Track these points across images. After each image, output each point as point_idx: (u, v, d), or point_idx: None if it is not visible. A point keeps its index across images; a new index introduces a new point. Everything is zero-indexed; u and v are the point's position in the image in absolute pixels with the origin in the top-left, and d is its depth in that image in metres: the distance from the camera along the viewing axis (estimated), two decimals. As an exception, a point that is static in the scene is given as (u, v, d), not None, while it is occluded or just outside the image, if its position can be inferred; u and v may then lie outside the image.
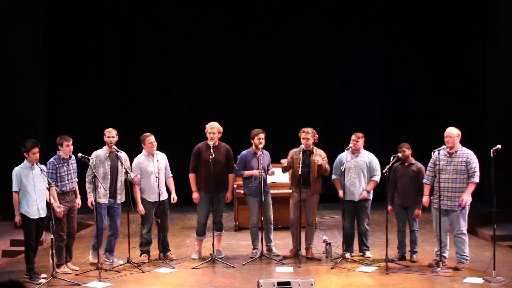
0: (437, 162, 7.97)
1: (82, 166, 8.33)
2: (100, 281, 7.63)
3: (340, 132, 10.75)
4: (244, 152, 8.84)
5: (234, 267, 8.22)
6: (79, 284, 7.56)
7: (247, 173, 8.71)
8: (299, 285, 6.55)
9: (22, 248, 8.17)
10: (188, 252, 9.00)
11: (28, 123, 11.66)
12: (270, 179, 9.12)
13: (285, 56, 13.38)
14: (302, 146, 8.51)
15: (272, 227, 8.90)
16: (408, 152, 8.35)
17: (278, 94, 13.34)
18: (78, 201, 8.33)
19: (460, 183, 7.88)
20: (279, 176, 9.62)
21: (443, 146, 7.97)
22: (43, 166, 7.80)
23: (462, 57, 12.89)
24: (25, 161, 7.70)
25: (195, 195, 8.68)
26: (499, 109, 11.86)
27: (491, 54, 12.16)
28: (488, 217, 9.67)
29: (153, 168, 8.51)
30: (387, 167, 8.10)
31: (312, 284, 6.57)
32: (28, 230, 7.71)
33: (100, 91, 13.30)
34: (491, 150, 7.52)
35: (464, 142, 8.07)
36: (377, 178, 8.59)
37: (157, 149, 8.61)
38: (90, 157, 8.20)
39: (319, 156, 8.48)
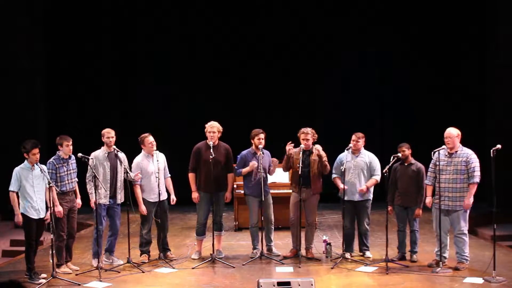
0: (437, 163, 7.97)
1: (82, 167, 8.33)
2: (100, 281, 7.62)
3: (340, 132, 10.75)
4: (244, 152, 8.85)
5: (234, 267, 8.22)
6: (79, 284, 7.55)
7: (244, 170, 8.71)
8: (299, 285, 6.55)
9: (22, 248, 8.18)
10: (188, 252, 9.00)
11: (28, 123, 11.67)
12: (270, 179, 9.10)
13: (285, 56, 13.38)
14: (302, 146, 8.51)
15: (273, 227, 8.90)
16: (408, 152, 8.35)
17: (278, 94, 13.34)
18: (78, 201, 8.32)
19: (460, 183, 7.88)
20: (279, 176, 9.62)
21: (443, 147, 7.97)
22: (43, 166, 7.79)
23: (462, 57, 12.90)
24: (26, 161, 7.70)
25: (195, 195, 8.68)
26: (499, 109, 11.86)
27: (491, 54, 12.17)
28: (488, 217, 9.66)
29: (153, 168, 8.51)
30: (387, 167, 8.10)
31: (312, 284, 6.57)
32: (28, 230, 7.71)
33: (100, 91, 13.31)
34: (491, 150, 7.52)
35: (464, 143, 8.07)
36: (378, 177, 8.59)
37: (156, 149, 8.61)
38: (90, 157, 8.20)
39: (319, 149, 8.49)
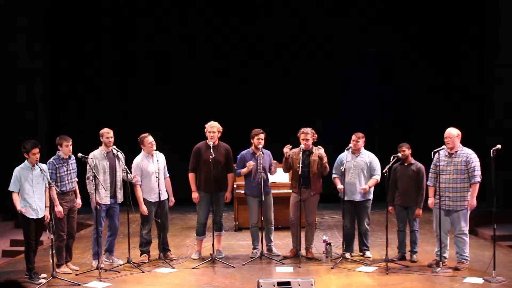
0: (438, 163, 7.97)
1: (82, 167, 8.33)
2: (100, 281, 7.62)
3: (340, 132, 10.74)
4: (243, 152, 8.85)
5: (234, 267, 8.22)
6: (79, 284, 7.55)
7: (243, 171, 8.71)
8: (299, 285, 6.55)
9: (22, 248, 8.17)
10: (188, 252, 9.00)
11: (28, 123, 11.67)
12: (270, 179, 9.09)
13: (285, 56, 13.39)
14: (302, 146, 8.51)
15: (273, 228, 8.90)
16: (408, 152, 8.35)
17: (278, 94, 13.35)
18: (78, 201, 8.32)
19: (460, 183, 7.88)
20: (279, 176, 9.62)
21: (443, 147, 7.97)
22: (43, 166, 7.79)
23: (462, 57, 12.90)
24: (26, 161, 7.70)
25: (195, 195, 8.67)
26: (499, 109, 11.86)
27: (491, 54, 12.17)
28: (488, 217, 9.65)
29: (153, 168, 8.51)
30: (387, 167, 8.10)
31: (312, 284, 6.57)
32: (28, 230, 7.71)
33: (100, 91, 13.31)
34: (491, 150, 7.52)
35: (464, 143, 8.06)
36: (378, 177, 8.59)
37: (156, 149, 8.61)
38: (90, 157, 8.19)
39: (321, 151, 8.49)
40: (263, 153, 8.70)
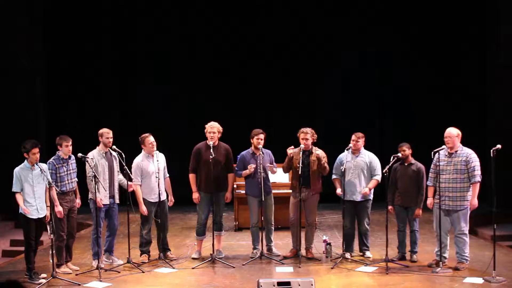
0: (438, 163, 7.97)
1: (82, 166, 8.32)
2: (100, 281, 7.62)
3: (340, 132, 10.74)
4: (243, 153, 8.85)
5: (234, 267, 8.22)
6: (79, 284, 7.55)
7: (244, 172, 8.72)
8: (299, 285, 6.55)
9: (22, 248, 8.17)
10: (188, 252, 9.00)
11: (28, 123, 11.67)
12: (270, 179, 9.07)
13: (285, 56, 13.39)
14: (302, 146, 8.51)
15: (273, 228, 8.90)
16: (408, 151, 8.35)
17: (278, 94, 13.35)
18: (78, 201, 8.33)
19: (460, 183, 7.88)
20: (279, 176, 9.61)
21: (443, 147, 7.97)
22: (43, 166, 7.78)
23: (462, 57, 12.90)
24: (26, 161, 7.69)
25: (195, 195, 8.68)
26: (499, 109, 11.86)
27: (491, 54, 12.16)
28: (488, 217, 9.65)
29: (153, 168, 8.51)
30: (387, 167, 8.10)
31: (312, 284, 6.57)
32: (27, 230, 7.71)
33: (100, 91, 13.31)
34: (491, 150, 7.52)
35: (464, 143, 8.06)
36: (378, 177, 8.58)
37: (156, 149, 8.61)
38: (90, 157, 8.19)
39: (319, 152, 8.49)
40: (263, 153, 8.70)
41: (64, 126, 11.93)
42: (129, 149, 8.80)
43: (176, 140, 12.36)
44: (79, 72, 13.14)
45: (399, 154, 8.25)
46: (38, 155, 7.66)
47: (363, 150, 8.67)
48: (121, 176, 8.54)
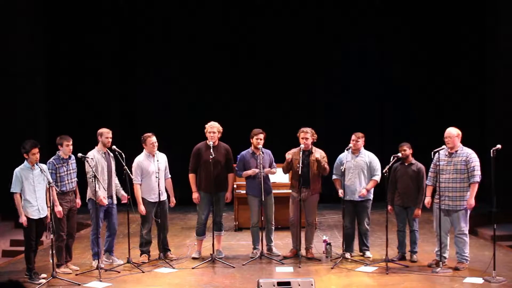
0: (438, 163, 7.97)
1: (82, 166, 8.32)
2: (100, 281, 7.63)
3: (340, 132, 10.74)
4: (243, 152, 8.86)
5: (234, 267, 8.22)
6: (79, 284, 7.56)
7: (245, 173, 8.72)
8: (299, 285, 6.55)
9: (22, 248, 8.17)
10: (188, 252, 9.00)
11: (28, 123, 11.66)
12: (270, 179, 9.07)
13: (285, 56, 13.38)
14: (302, 146, 8.51)
15: (273, 228, 8.90)
16: (408, 151, 8.35)
17: (278, 94, 13.35)
18: (78, 201, 8.34)
19: (460, 183, 7.88)
20: (279, 176, 9.61)
21: (443, 147, 7.97)
22: (43, 166, 7.79)
23: (462, 57, 12.90)
24: (26, 161, 7.69)
25: (195, 195, 8.68)
26: (499, 109, 11.85)
27: (491, 54, 12.16)
28: (488, 217, 9.68)
29: (153, 168, 8.51)
30: (387, 167, 8.10)
31: (312, 284, 6.57)
32: (28, 230, 7.71)
33: (100, 91, 13.31)
34: (491, 150, 7.52)
35: (464, 142, 8.06)
36: (378, 178, 8.59)
37: (157, 149, 8.61)
38: (90, 157, 8.18)
39: (318, 153, 8.49)
40: (263, 152, 8.70)
41: (64, 126, 11.91)
42: (129, 149, 8.79)
43: (176, 140, 12.35)
44: (79, 72, 13.12)
45: (399, 154, 8.26)
46: (37, 155, 7.66)
47: (363, 150, 8.67)
48: (117, 181, 8.52)
